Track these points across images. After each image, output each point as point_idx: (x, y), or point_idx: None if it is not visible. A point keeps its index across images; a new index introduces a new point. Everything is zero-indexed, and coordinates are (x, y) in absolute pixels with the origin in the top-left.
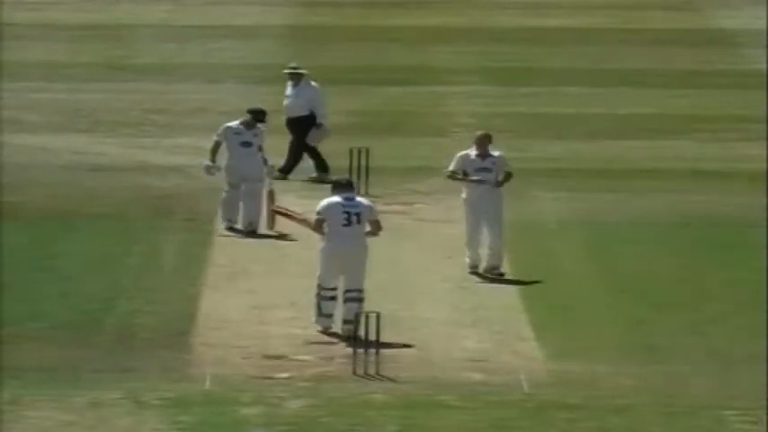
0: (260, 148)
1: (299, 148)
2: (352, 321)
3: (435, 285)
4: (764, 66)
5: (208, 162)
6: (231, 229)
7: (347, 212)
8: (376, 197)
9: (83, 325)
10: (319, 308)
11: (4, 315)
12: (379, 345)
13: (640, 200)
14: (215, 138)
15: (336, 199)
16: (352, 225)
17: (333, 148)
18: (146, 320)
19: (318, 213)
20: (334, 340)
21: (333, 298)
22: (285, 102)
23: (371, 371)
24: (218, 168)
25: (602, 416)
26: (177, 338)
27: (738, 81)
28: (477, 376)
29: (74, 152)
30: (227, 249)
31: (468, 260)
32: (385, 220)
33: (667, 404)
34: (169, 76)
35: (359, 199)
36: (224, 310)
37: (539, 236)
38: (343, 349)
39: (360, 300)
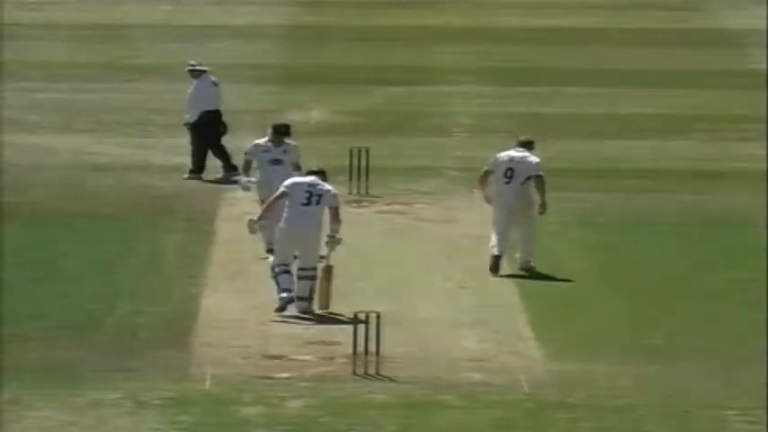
0: (296, 167)
1: (204, 144)
2: (306, 299)
3: (435, 285)
4: (765, 66)
5: (242, 178)
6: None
7: (310, 192)
8: (376, 197)
9: (83, 325)
10: (278, 284)
11: (4, 315)
12: (379, 344)
13: (640, 200)
14: (245, 156)
15: (304, 179)
16: (311, 205)
17: (333, 148)
18: (146, 320)
19: (285, 187)
20: (334, 340)
21: (287, 271)
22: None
23: (371, 371)
24: (254, 182)
25: (601, 416)
26: (177, 338)
27: (738, 81)
28: (477, 376)
29: (74, 152)
30: (227, 249)
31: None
32: (385, 220)
33: (667, 404)
34: (169, 76)
35: (325, 184)
36: (224, 309)
37: (539, 236)
38: (343, 349)
39: (312, 278)
